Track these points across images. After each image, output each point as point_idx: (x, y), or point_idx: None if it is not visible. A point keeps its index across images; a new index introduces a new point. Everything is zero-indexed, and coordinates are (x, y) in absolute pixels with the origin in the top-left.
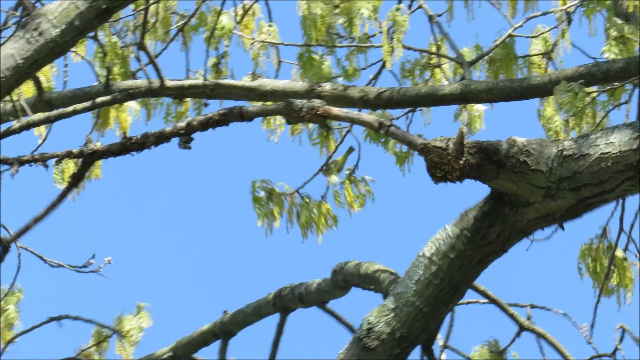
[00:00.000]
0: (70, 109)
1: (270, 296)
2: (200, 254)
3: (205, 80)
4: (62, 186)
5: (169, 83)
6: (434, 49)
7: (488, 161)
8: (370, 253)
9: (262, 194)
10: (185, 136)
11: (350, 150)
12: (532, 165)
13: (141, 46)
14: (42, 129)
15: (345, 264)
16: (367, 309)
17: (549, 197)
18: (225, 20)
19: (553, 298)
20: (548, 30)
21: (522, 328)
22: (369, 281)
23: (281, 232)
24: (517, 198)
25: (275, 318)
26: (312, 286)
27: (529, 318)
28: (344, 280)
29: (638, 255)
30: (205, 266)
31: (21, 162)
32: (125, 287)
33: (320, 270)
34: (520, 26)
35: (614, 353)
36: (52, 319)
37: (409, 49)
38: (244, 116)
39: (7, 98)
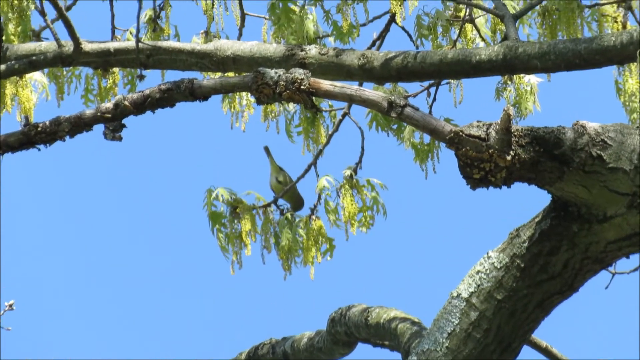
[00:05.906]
0: None
1: (242, 356)
2: (139, 300)
3: (138, 42)
4: None
5: (88, 47)
6: None
7: (547, 156)
8: (382, 293)
9: (222, 208)
10: (113, 122)
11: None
12: (609, 162)
13: None
14: None
15: (348, 309)
16: None
17: (634, 207)
18: None
19: None
20: None
21: None
22: (382, 334)
23: (255, 263)
24: (590, 210)
25: None
26: (300, 342)
27: None
28: (347, 332)
29: None
30: (146, 314)
31: None
32: (37, 343)
33: (312, 318)
34: None
35: None
36: None
37: None
38: (195, 93)
39: None
